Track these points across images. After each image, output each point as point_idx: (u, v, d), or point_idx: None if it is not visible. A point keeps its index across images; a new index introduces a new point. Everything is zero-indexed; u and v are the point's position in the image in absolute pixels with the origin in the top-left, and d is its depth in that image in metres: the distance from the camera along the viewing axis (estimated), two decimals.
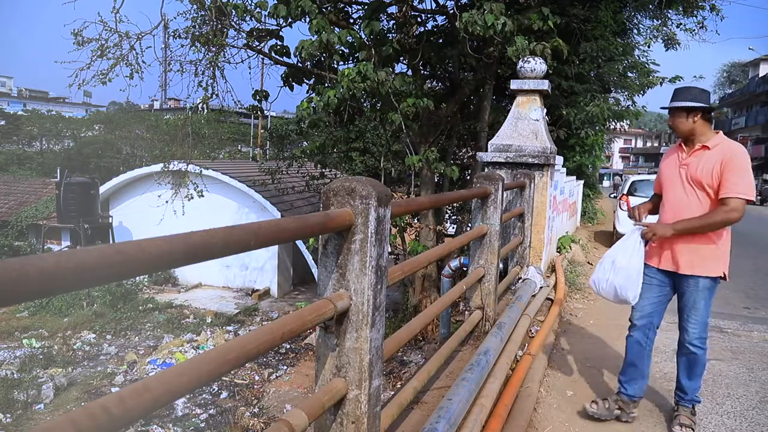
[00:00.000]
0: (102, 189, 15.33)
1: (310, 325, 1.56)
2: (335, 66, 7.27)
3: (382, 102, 7.82)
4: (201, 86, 7.41)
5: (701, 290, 2.89)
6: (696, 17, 9.75)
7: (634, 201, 10.96)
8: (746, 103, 47.25)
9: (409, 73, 8.20)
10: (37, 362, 9.33)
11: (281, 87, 7.83)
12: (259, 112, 8.41)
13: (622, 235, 3.11)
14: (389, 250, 2.25)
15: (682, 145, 3.01)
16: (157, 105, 41.14)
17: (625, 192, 11.13)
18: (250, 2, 6.94)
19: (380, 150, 10.31)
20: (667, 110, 3.01)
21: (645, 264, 2.96)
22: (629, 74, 10.71)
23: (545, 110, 6.00)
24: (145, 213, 13.55)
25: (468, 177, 10.09)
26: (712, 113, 2.99)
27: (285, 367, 9.74)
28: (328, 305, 1.64)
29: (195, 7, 6.96)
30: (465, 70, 9.16)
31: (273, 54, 7.72)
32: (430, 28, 8.70)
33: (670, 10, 9.68)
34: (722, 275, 2.89)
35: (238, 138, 31.79)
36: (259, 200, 13.70)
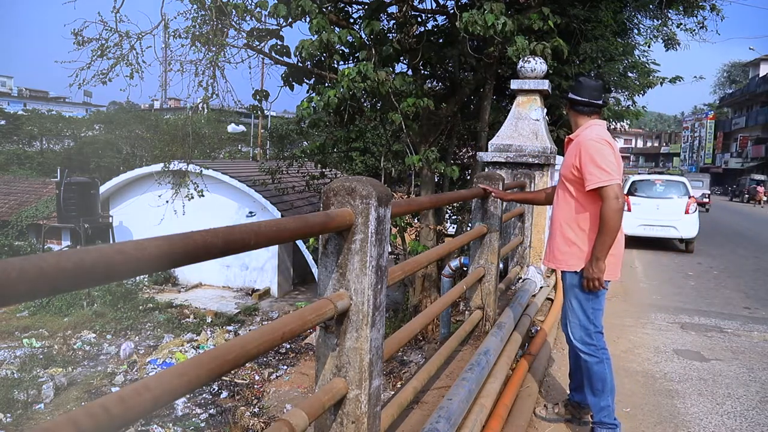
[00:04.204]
0: (102, 189, 15.33)
1: (311, 325, 1.56)
2: (335, 66, 7.26)
3: (382, 102, 7.82)
4: (201, 86, 7.41)
5: (568, 287, 2.78)
6: (696, 17, 9.76)
7: (634, 201, 10.97)
8: (746, 103, 47.26)
9: (409, 73, 8.20)
10: (37, 362, 9.33)
11: (281, 87, 7.83)
12: (259, 112, 8.41)
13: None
14: (389, 250, 2.25)
15: None
16: (157, 105, 41.13)
17: (625, 192, 11.14)
18: (250, 2, 6.95)
19: (380, 150, 10.31)
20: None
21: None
22: (629, 74, 10.71)
23: (545, 110, 6.01)
24: (145, 213, 13.55)
25: (468, 177, 10.09)
26: (587, 107, 2.83)
27: (285, 367, 9.74)
28: (328, 305, 1.64)
29: (195, 6, 6.96)
30: (465, 70, 9.16)
31: (273, 54, 7.72)
32: (430, 27, 8.71)
33: (670, 10, 9.68)
34: (581, 270, 2.70)
35: (238, 138, 31.79)
36: (259, 200, 13.70)
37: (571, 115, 2.89)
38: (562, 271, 2.84)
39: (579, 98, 2.84)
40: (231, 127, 13.19)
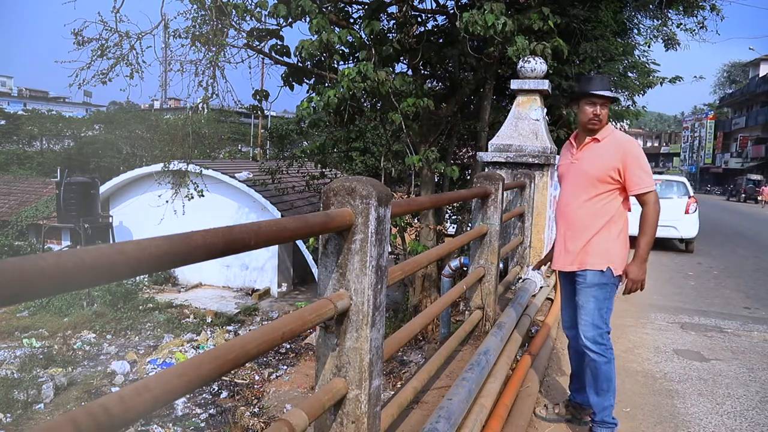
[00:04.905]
0: (102, 189, 15.33)
1: (311, 325, 1.56)
2: (335, 66, 7.26)
3: (382, 102, 7.82)
4: (201, 86, 7.41)
5: (589, 285, 2.76)
6: (696, 17, 9.76)
7: (634, 200, 10.97)
8: (746, 103, 47.27)
9: (409, 72, 8.19)
10: (37, 362, 9.33)
11: (281, 87, 7.83)
12: (259, 112, 8.41)
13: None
14: (389, 250, 2.25)
15: (573, 140, 2.93)
16: (157, 105, 41.16)
17: None
18: (250, 2, 6.94)
19: (380, 150, 10.31)
20: (582, 98, 2.78)
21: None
22: (629, 74, 10.70)
23: (545, 110, 6.00)
24: (145, 213, 13.54)
25: (468, 177, 10.08)
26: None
27: (285, 367, 9.74)
28: (328, 305, 1.64)
29: (195, 6, 6.96)
30: (465, 70, 9.15)
31: (273, 54, 7.72)
32: (430, 27, 8.70)
33: (670, 10, 9.68)
34: (606, 269, 2.74)
35: (238, 138, 31.81)
36: (259, 200, 13.70)
37: (605, 114, 2.77)
38: (580, 272, 2.77)
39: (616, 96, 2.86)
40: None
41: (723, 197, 39.87)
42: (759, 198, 32.95)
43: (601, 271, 2.73)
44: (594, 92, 2.73)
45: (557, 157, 6.19)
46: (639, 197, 2.73)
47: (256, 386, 9.02)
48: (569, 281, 2.91)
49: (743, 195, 34.81)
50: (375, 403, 1.82)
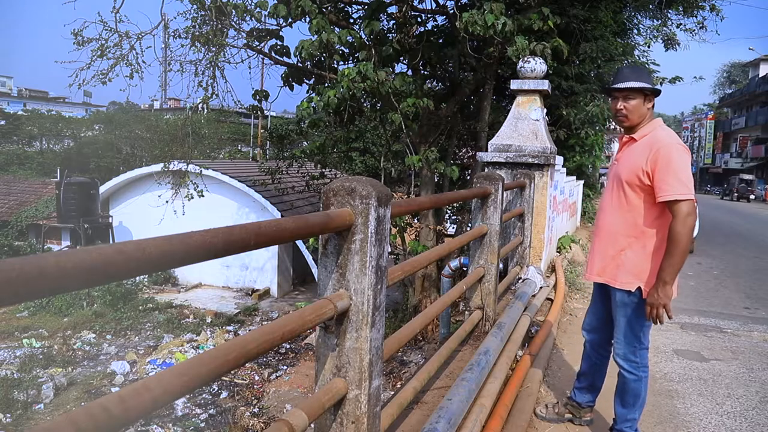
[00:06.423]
0: (102, 189, 15.34)
1: (310, 325, 1.56)
2: (335, 66, 7.27)
3: (382, 102, 7.82)
4: (201, 86, 7.42)
5: (619, 305, 2.57)
6: (696, 17, 9.77)
7: None
8: (746, 103, 47.24)
9: (409, 73, 8.20)
10: (37, 362, 9.33)
11: (281, 87, 7.85)
12: (259, 112, 8.42)
13: None
14: (389, 250, 2.25)
15: (620, 141, 2.72)
16: (157, 105, 41.10)
17: None
18: (250, 2, 6.95)
19: (380, 150, 10.31)
20: (612, 92, 2.59)
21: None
22: None
23: (545, 110, 6.00)
24: (145, 213, 13.55)
25: (468, 177, 10.09)
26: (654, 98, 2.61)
27: (285, 367, 9.74)
28: (328, 305, 1.64)
29: (195, 7, 6.97)
30: (465, 70, 9.16)
31: (273, 54, 7.73)
32: (430, 28, 8.72)
33: (670, 10, 9.69)
34: (636, 289, 2.50)
35: (238, 138, 31.80)
36: (259, 200, 13.71)
37: (633, 107, 2.52)
38: (612, 287, 2.60)
39: (657, 88, 2.55)
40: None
41: (719, 197, 40.16)
42: (751, 197, 33.62)
43: (629, 291, 2.51)
44: (612, 87, 2.56)
45: (557, 157, 6.21)
46: (667, 206, 2.38)
47: (256, 386, 9.02)
48: (599, 288, 2.79)
49: (736, 194, 35.73)
50: (375, 403, 1.82)
